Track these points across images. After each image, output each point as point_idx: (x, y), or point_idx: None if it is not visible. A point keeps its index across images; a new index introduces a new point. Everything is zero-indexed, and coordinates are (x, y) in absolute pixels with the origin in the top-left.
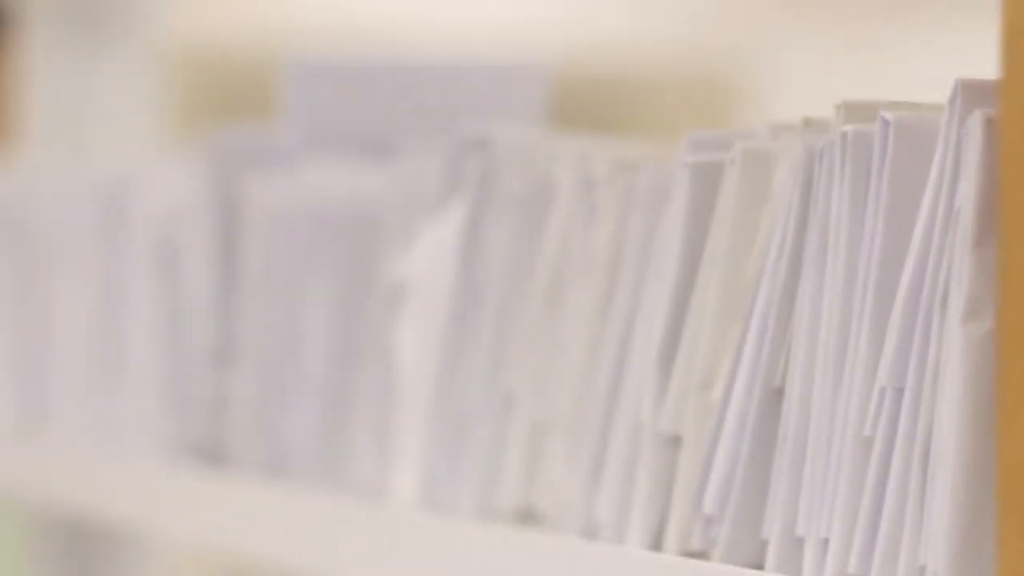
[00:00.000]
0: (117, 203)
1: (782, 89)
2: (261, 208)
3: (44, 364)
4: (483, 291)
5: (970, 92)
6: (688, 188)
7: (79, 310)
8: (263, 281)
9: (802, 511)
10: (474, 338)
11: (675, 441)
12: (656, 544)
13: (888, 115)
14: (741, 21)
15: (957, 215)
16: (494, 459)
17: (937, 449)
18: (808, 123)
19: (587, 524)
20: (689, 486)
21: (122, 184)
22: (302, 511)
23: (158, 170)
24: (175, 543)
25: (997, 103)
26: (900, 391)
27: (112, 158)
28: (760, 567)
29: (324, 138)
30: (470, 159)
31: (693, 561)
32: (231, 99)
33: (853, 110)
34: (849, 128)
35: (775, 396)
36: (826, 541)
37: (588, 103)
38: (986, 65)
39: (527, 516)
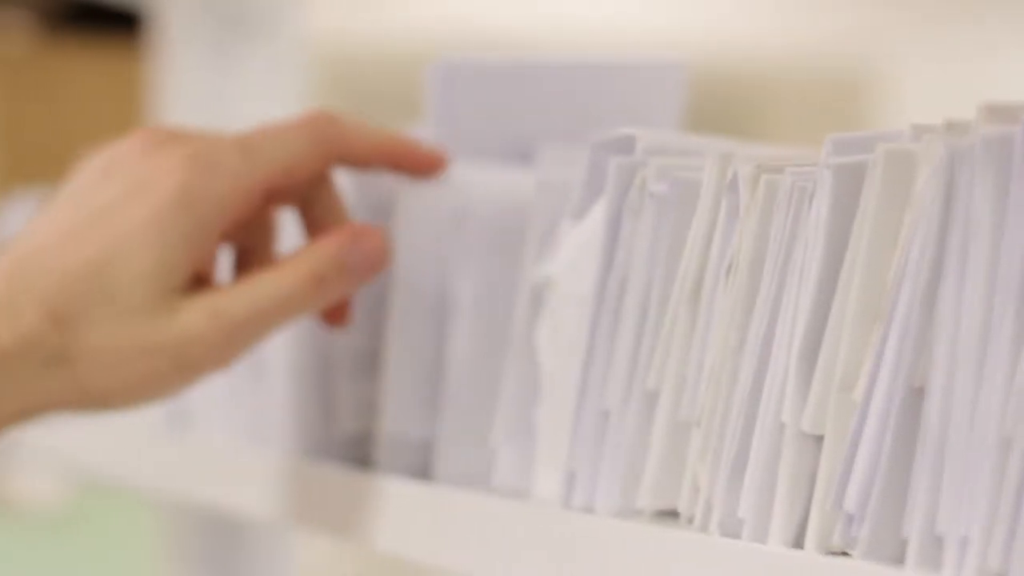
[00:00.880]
0: None
1: (913, 89)
2: (406, 210)
3: None
4: (625, 291)
5: None
6: (831, 189)
7: None
8: (409, 282)
9: (942, 509)
10: (616, 338)
11: (816, 440)
12: (797, 542)
13: None
14: (871, 21)
15: None
16: (636, 458)
17: None
18: (950, 125)
19: (728, 523)
20: (830, 485)
21: None
22: (446, 510)
23: None
24: (318, 542)
25: None
26: None
27: None
28: (900, 565)
29: (468, 139)
30: (612, 160)
31: (834, 559)
32: (375, 101)
33: (995, 112)
34: (990, 130)
35: (916, 396)
36: (966, 539)
37: (719, 101)
38: None
39: (668, 515)
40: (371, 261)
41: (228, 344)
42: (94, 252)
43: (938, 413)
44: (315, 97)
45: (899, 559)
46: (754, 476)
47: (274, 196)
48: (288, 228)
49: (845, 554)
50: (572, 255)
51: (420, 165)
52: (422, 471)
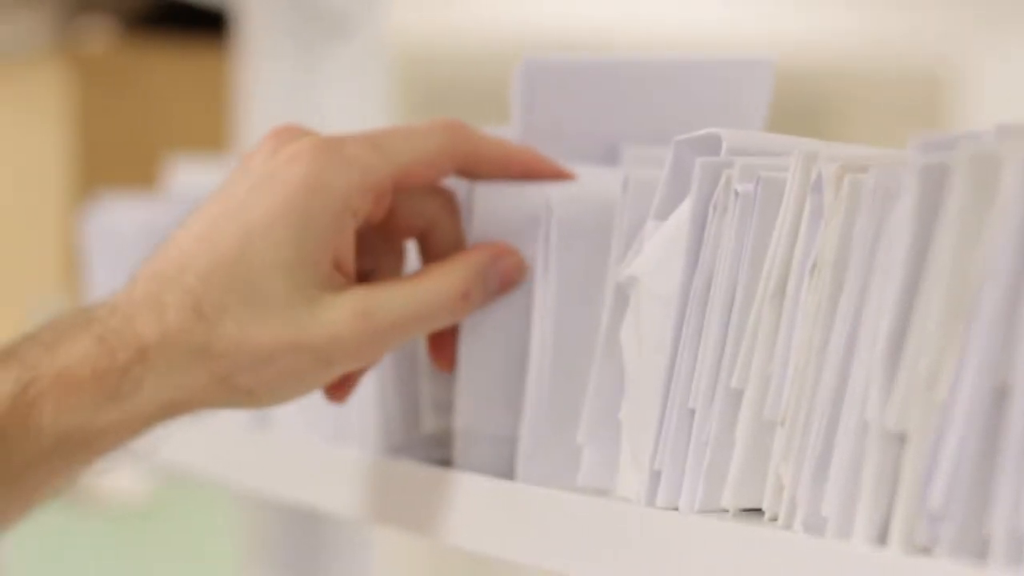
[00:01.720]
0: None
1: (993, 86)
2: (483, 210)
3: None
4: (710, 291)
5: None
6: (916, 189)
7: None
8: None
9: None
10: (701, 338)
11: (900, 439)
12: (880, 540)
13: None
14: (953, 18)
15: None
16: (720, 457)
17: None
18: None
19: (812, 521)
20: (914, 483)
21: None
22: (529, 509)
23: None
24: (397, 537)
25: None
26: None
27: None
28: (983, 563)
29: (554, 139)
30: (698, 159)
31: (917, 557)
32: (456, 99)
33: None
34: None
35: (999, 394)
36: None
37: (800, 100)
38: None
39: (752, 513)
40: (509, 280)
41: (372, 345)
42: (230, 246)
43: (1022, 411)
44: (398, 95)
45: (982, 557)
46: (838, 474)
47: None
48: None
49: (929, 552)
50: (657, 254)
51: (551, 175)
52: (504, 470)
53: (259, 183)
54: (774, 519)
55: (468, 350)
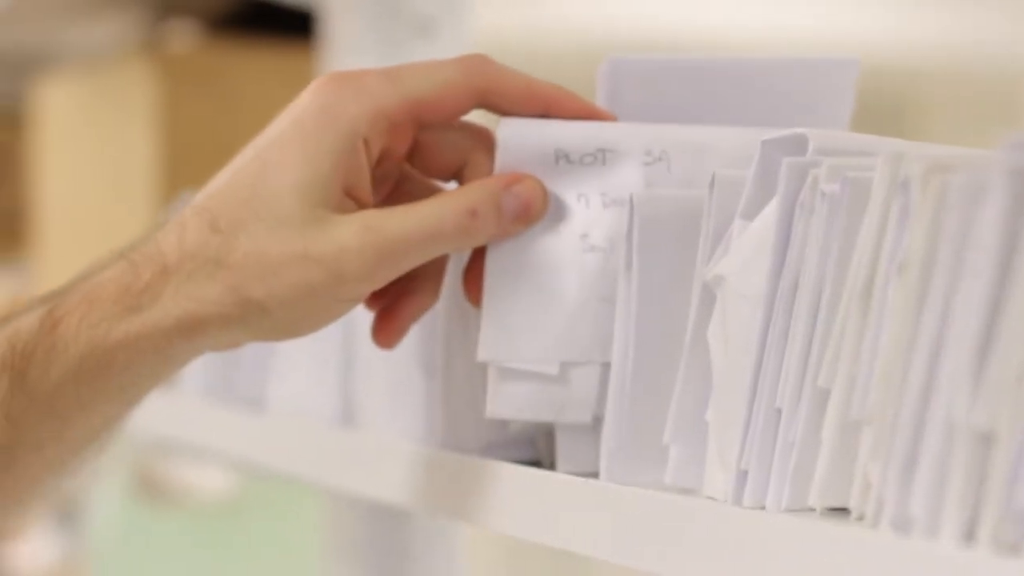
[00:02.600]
0: None
1: None
2: (513, 145)
3: (368, 360)
4: (797, 290)
5: None
6: (1004, 188)
7: None
8: None
9: None
10: (788, 337)
11: (988, 437)
12: (969, 539)
13: None
14: None
15: None
16: (807, 456)
17: None
18: None
19: (899, 520)
20: (1002, 482)
21: None
22: (616, 508)
23: None
24: (478, 533)
25: None
26: None
27: None
28: None
29: None
30: (784, 159)
31: (1006, 557)
32: None
33: None
34: None
35: None
36: None
37: (882, 99)
38: None
39: (839, 512)
40: (525, 206)
41: (379, 261)
42: (246, 169)
43: None
44: None
45: None
46: (925, 473)
47: (429, 151)
48: None
49: (1018, 551)
50: (744, 254)
51: (577, 112)
52: (590, 468)
53: (283, 116)
54: (861, 518)
55: (491, 281)
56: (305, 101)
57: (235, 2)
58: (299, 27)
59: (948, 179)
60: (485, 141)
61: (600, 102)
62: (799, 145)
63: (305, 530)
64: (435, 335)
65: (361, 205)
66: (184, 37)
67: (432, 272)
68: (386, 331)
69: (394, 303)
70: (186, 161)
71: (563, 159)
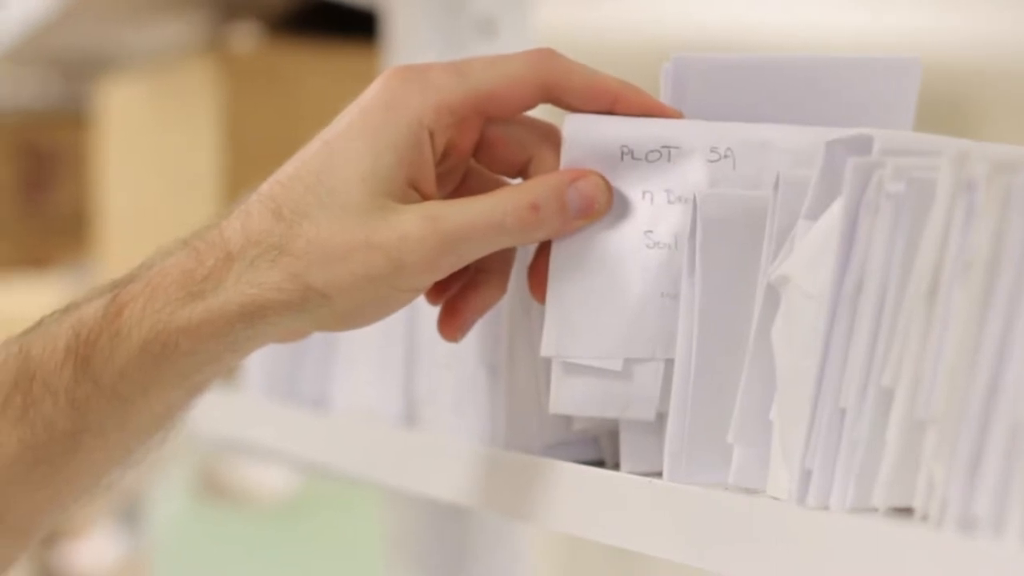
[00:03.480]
0: None
1: None
2: (578, 140)
3: (432, 360)
4: (861, 290)
5: None
6: None
7: None
8: None
9: None
10: (852, 336)
11: None
12: None
13: None
14: None
15: None
16: (871, 456)
17: None
18: None
19: (964, 519)
20: None
21: None
22: (680, 508)
23: None
24: (539, 532)
25: None
26: None
27: None
28: None
29: None
30: (849, 160)
31: None
32: None
33: None
34: None
35: None
36: None
37: (941, 95)
38: None
39: (903, 512)
40: (589, 201)
41: (441, 250)
42: (312, 159)
43: None
44: None
45: None
46: (990, 473)
47: (498, 143)
48: None
49: None
50: (809, 254)
51: (643, 108)
52: (652, 468)
53: (350, 109)
54: (925, 518)
55: (555, 277)
56: (372, 93)
57: (298, 2)
58: (361, 27)
59: (1013, 179)
60: (551, 137)
61: (663, 101)
62: (864, 145)
63: (367, 530)
64: (499, 334)
65: (425, 198)
66: (247, 38)
67: (499, 266)
68: (451, 324)
69: (460, 296)
70: (248, 162)
71: (628, 155)
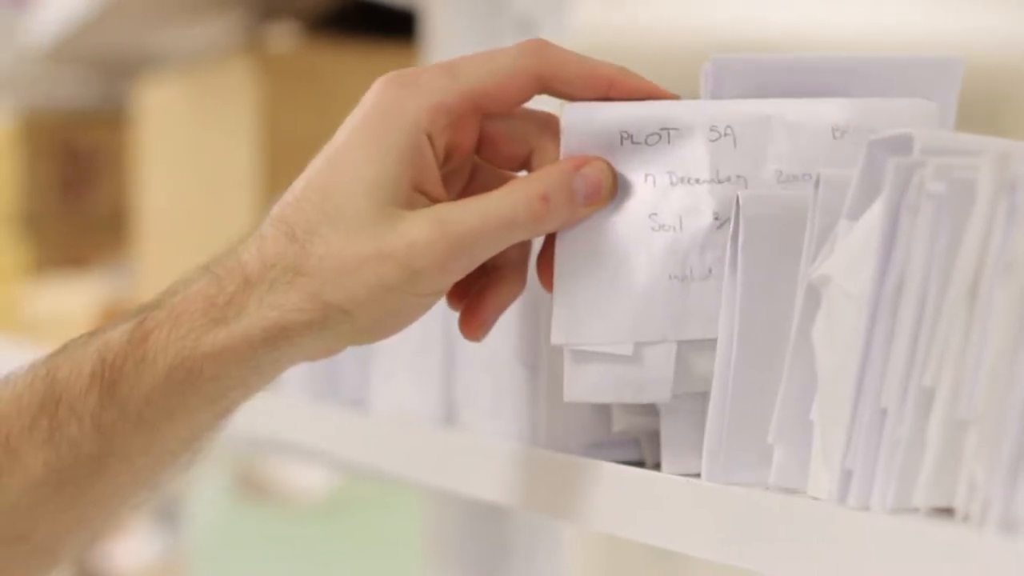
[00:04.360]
0: None
1: None
2: (577, 129)
3: (470, 360)
4: (902, 290)
5: None
6: None
7: None
8: None
9: None
10: (893, 337)
11: None
12: None
13: None
14: None
15: None
16: (912, 456)
17: None
18: None
19: (1006, 519)
20: None
21: None
22: (720, 508)
23: None
24: (578, 531)
25: None
26: None
27: None
28: None
29: None
30: (890, 159)
31: None
32: None
33: None
34: None
35: None
36: None
37: (981, 95)
38: None
39: (944, 513)
40: (595, 187)
41: (452, 254)
42: (317, 175)
43: None
44: None
45: None
46: None
47: (496, 139)
48: None
49: None
50: (850, 254)
51: (639, 92)
52: (692, 469)
53: (347, 119)
54: (966, 519)
55: (561, 265)
56: (366, 103)
57: (336, 2)
58: (400, 27)
59: None
60: (551, 126)
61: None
62: (905, 145)
63: (406, 530)
64: (537, 335)
65: (434, 200)
66: (285, 37)
67: (515, 261)
68: (471, 323)
69: (479, 295)
70: (287, 161)
71: (627, 140)
